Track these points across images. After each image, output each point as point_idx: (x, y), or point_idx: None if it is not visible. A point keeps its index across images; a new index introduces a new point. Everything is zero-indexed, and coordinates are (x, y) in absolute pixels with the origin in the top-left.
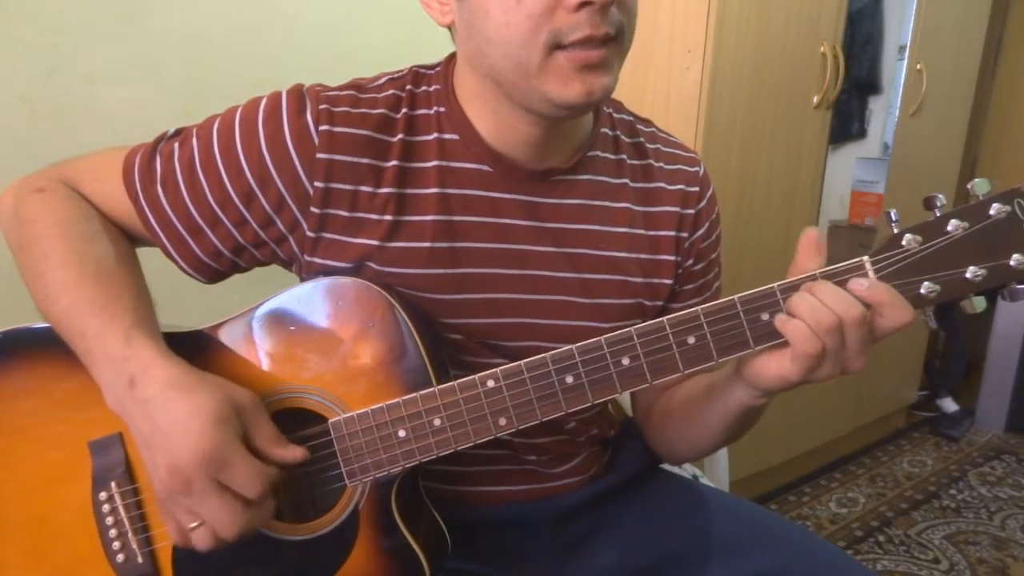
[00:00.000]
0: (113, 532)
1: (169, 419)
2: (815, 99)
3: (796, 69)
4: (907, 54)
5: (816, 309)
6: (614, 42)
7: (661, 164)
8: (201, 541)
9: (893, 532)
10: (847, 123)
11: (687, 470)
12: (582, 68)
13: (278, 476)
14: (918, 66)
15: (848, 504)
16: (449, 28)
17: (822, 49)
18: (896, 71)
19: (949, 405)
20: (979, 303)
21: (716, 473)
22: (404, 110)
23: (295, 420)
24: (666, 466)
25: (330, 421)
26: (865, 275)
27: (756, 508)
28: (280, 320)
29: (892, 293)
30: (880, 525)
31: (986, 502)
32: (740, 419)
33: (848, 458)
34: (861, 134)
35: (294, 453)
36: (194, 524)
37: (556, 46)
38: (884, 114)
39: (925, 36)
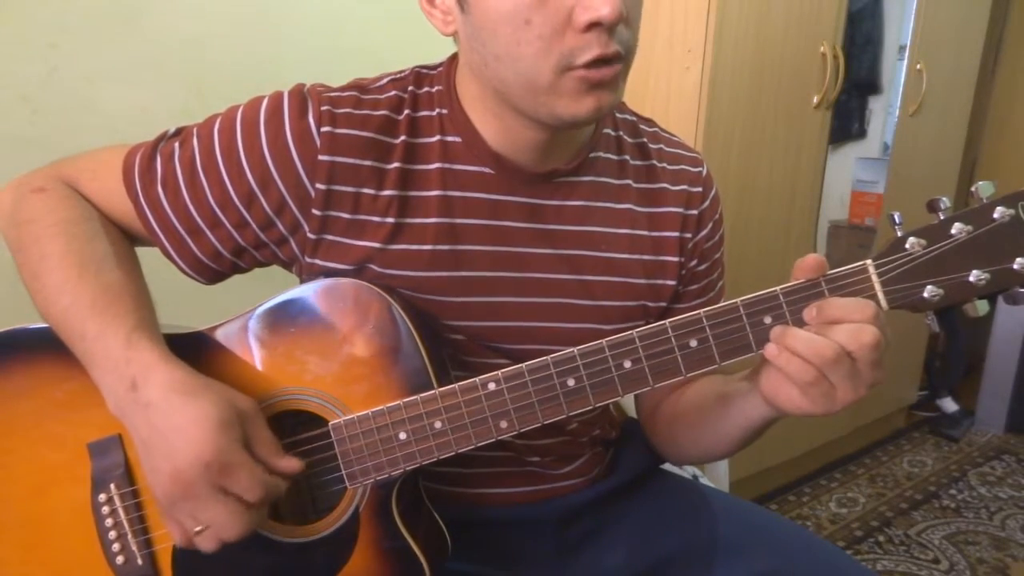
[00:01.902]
0: (112, 534)
1: (171, 424)
2: (815, 99)
3: (796, 69)
4: (907, 54)
5: (790, 362)
6: (622, 58)
7: (664, 164)
8: (205, 544)
9: (893, 532)
10: (847, 123)
11: (687, 470)
12: (593, 86)
13: (280, 486)
14: (918, 66)
15: (848, 504)
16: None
17: (822, 49)
18: (896, 71)
19: (949, 405)
20: (982, 307)
21: (716, 473)
22: (406, 111)
23: (295, 422)
24: (667, 467)
25: (330, 423)
26: (868, 278)
27: (756, 508)
28: (280, 321)
29: (840, 301)
30: (880, 525)
31: (986, 502)
32: (762, 429)
33: (848, 458)
34: (861, 134)
35: (292, 463)
36: (199, 528)
37: (567, 68)
38: (884, 114)
39: (925, 36)
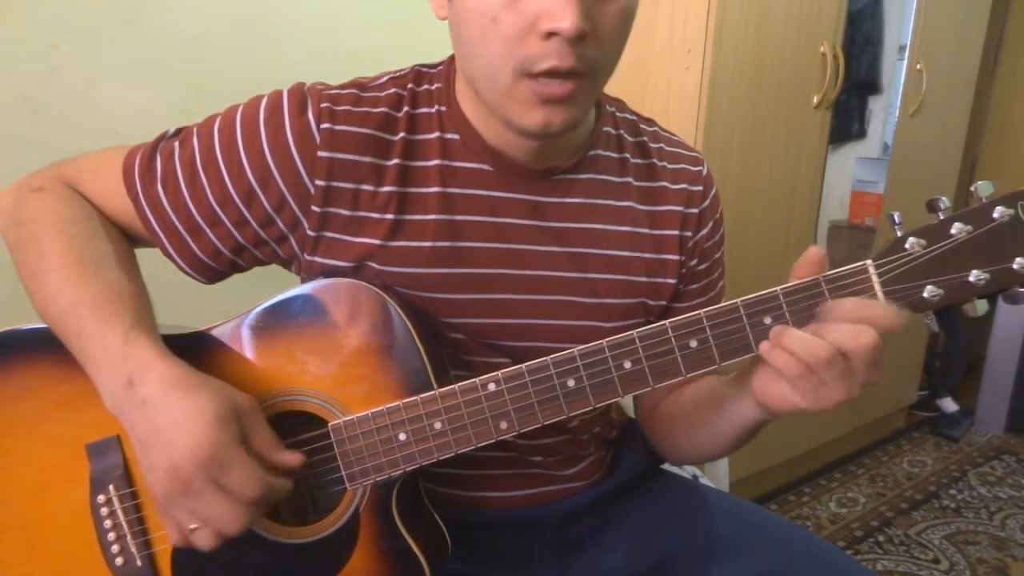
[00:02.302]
0: (112, 535)
1: (167, 420)
2: (815, 99)
3: (796, 69)
4: (907, 54)
5: (779, 357)
6: (582, 77)
7: (664, 163)
8: (202, 541)
9: (893, 532)
10: (847, 123)
11: (687, 470)
12: (544, 100)
13: (281, 485)
14: (918, 66)
15: (848, 504)
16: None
17: (822, 49)
18: (896, 71)
19: (949, 405)
20: (981, 306)
21: (716, 473)
22: (406, 108)
23: (295, 423)
24: (667, 467)
25: (330, 424)
26: (868, 278)
27: (756, 508)
28: (279, 322)
29: (843, 301)
30: (880, 525)
31: (986, 502)
32: (755, 430)
33: (848, 458)
34: (861, 134)
35: (292, 458)
36: (194, 525)
37: (524, 73)
38: (884, 114)
39: (925, 36)
